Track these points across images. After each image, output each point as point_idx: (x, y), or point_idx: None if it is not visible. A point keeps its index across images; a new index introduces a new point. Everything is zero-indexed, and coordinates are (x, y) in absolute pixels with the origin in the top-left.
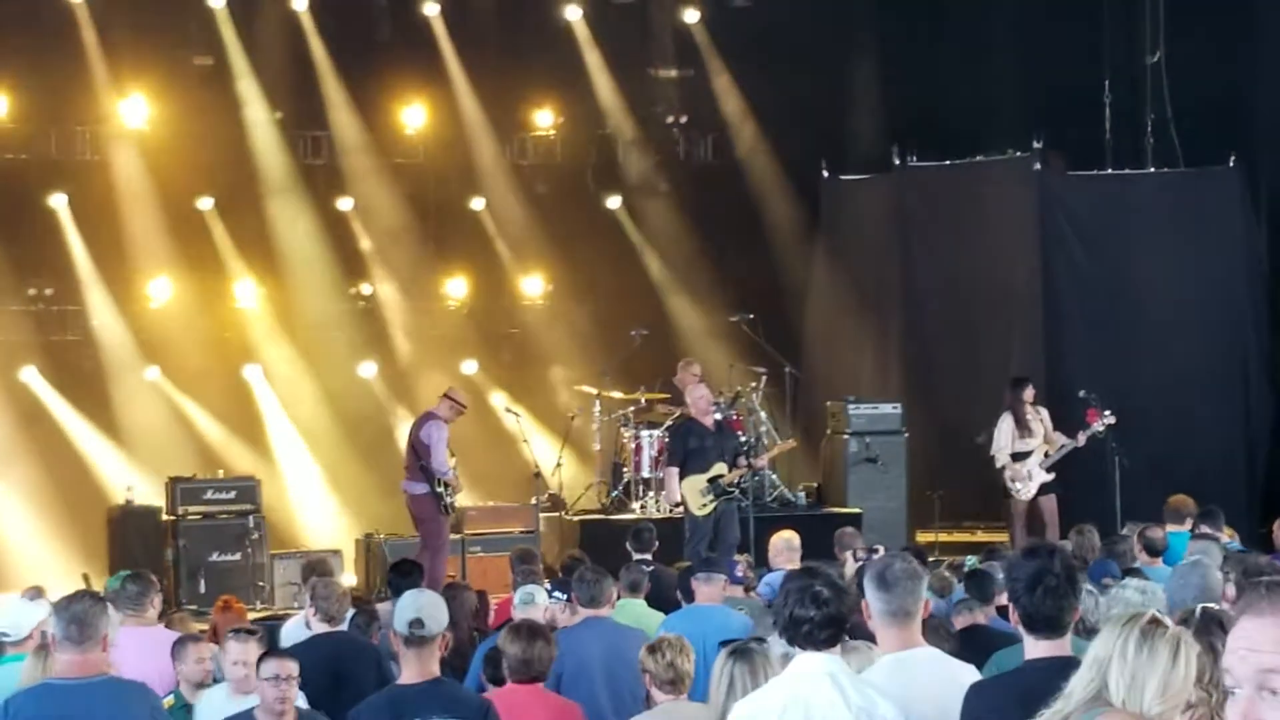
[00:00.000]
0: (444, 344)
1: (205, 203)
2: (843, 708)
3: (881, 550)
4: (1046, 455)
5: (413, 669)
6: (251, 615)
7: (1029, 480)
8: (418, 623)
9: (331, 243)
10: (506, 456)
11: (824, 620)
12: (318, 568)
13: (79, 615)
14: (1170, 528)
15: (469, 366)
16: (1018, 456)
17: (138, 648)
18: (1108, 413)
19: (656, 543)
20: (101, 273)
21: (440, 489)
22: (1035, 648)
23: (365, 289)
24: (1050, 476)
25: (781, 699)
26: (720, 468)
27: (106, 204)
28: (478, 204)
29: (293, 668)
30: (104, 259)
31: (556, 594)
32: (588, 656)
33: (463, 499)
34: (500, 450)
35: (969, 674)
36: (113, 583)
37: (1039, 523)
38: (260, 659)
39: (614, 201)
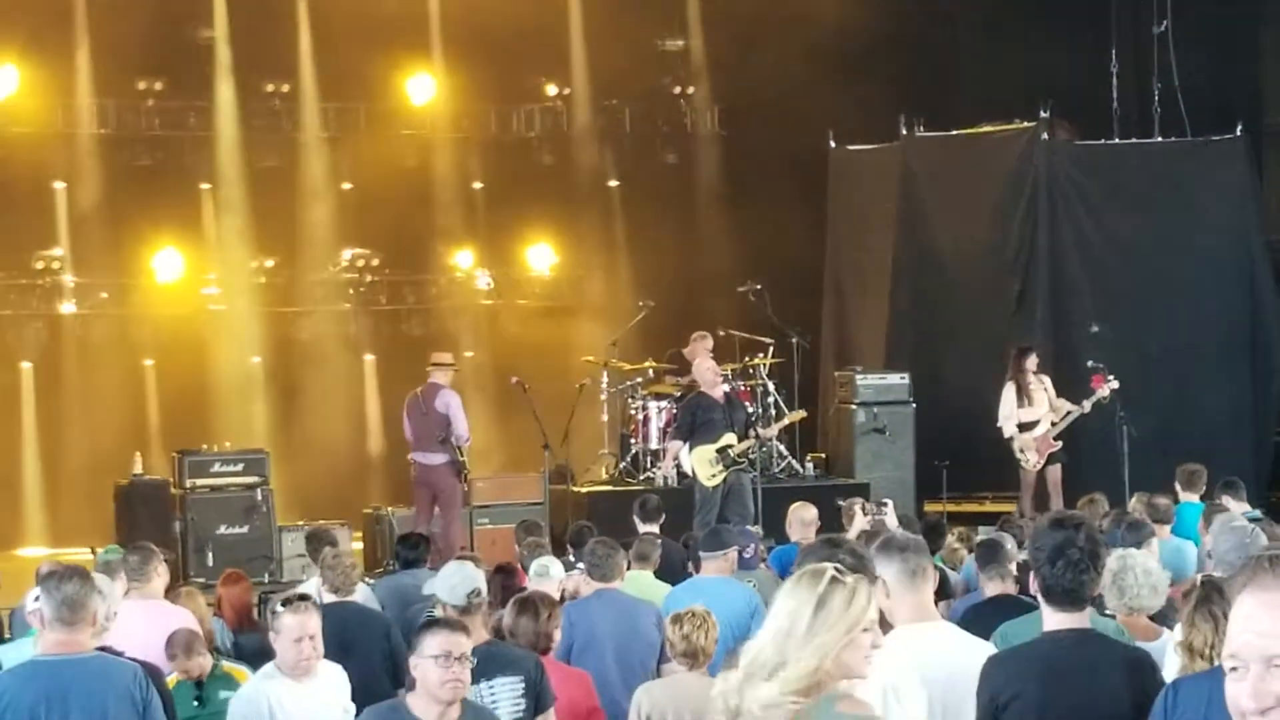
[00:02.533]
0: (452, 315)
1: (210, 175)
2: (874, 686)
3: (890, 505)
4: (1054, 425)
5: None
6: (259, 588)
7: (1036, 450)
8: (476, 592)
9: (340, 215)
10: (514, 427)
11: None
12: (323, 538)
13: (70, 598)
14: (1184, 496)
15: (476, 337)
16: (1024, 427)
17: (141, 619)
18: (1111, 378)
19: (664, 514)
20: (105, 246)
21: (463, 457)
22: (1053, 619)
23: (373, 261)
24: (1058, 446)
25: None
26: (729, 438)
27: (114, 177)
28: (484, 175)
29: (465, 644)
30: (108, 232)
31: (579, 566)
32: (598, 629)
33: (470, 470)
34: (508, 421)
35: (981, 648)
36: (105, 555)
37: (1044, 492)
38: (422, 631)
39: (621, 172)
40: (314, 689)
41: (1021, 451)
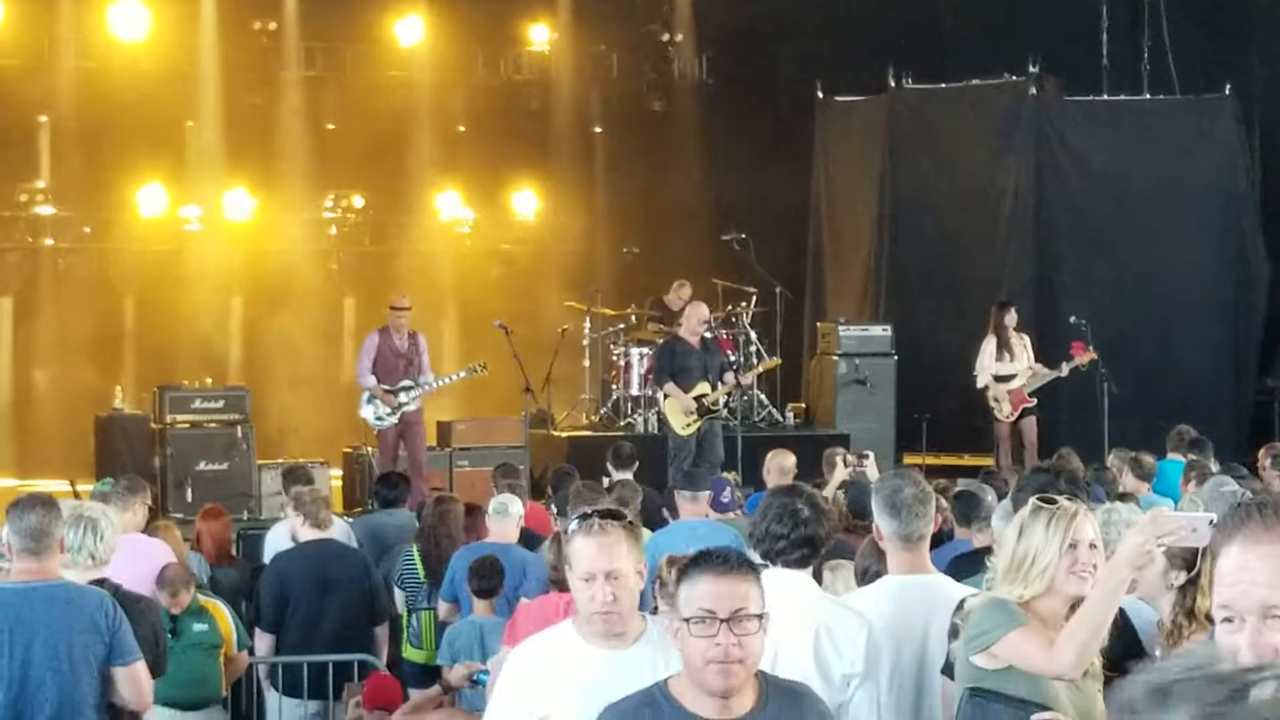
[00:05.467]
0: (435, 258)
1: (194, 112)
2: (797, 625)
3: (871, 457)
4: (1031, 380)
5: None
6: (237, 525)
7: (1010, 401)
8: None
9: (324, 155)
10: (496, 371)
11: (800, 540)
12: (297, 476)
13: (33, 529)
14: (1171, 455)
15: (459, 280)
16: (1002, 379)
17: (119, 551)
18: (1091, 348)
19: (637, 461)
20: (92, 181)
21: (363, 397)
22: None
23: (357, 202)
24: (1032, 403)
25: None
26: (704, 387)
27: (99, 112)
28: (469, 118)
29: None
30: (95, 167)
31: (552, 508)
32: None
33: (451, 412)
34: (490, 364)
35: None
36: (101, 488)
37: (1020, 445)
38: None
39: (607, 118)
40: (626, 663)
41: (995, 400)
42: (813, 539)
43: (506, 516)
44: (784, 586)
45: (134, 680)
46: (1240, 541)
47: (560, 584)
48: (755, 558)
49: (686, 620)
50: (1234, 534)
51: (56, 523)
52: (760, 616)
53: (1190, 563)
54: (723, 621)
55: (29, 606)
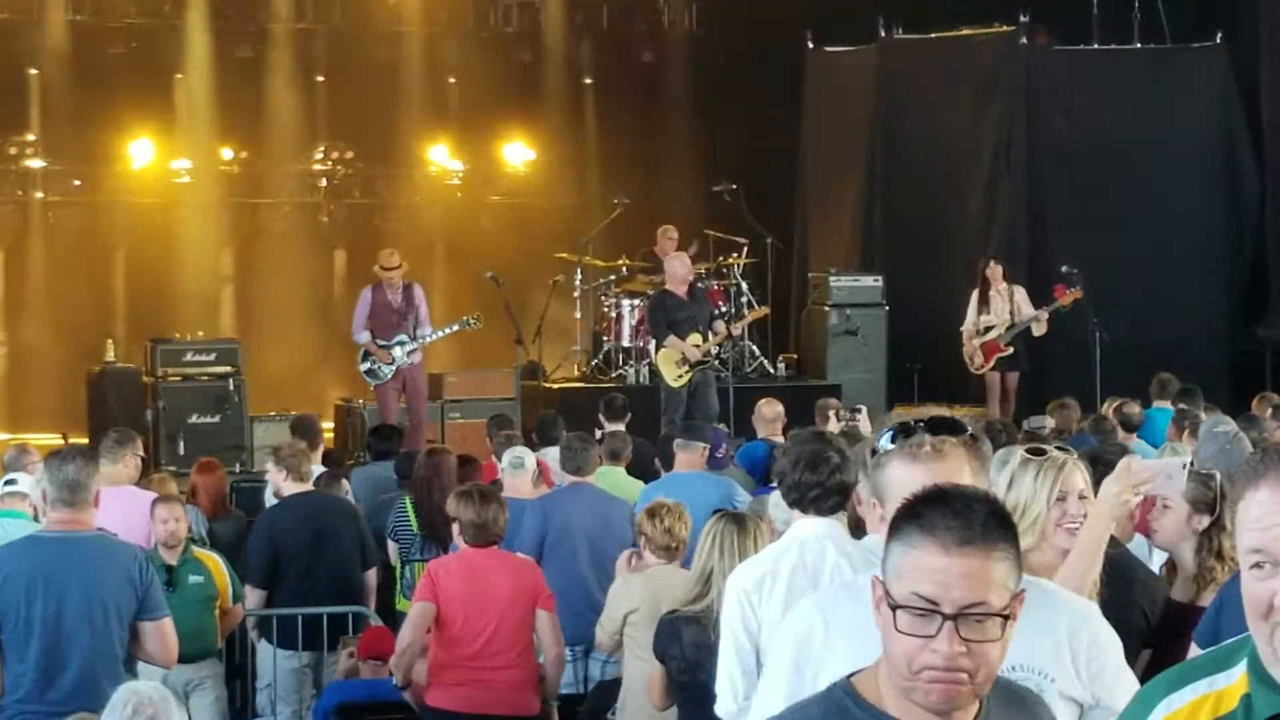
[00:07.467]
0: (425, 210)
1: (183, 65)
2: (849, 572)
3: (864, 411)
4: (1008, 329)
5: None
6: (230, 478)
7: (983, 353)
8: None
9: (314, 108)
10: (487, 322)
11: (834, 486)
12: (305, 426)
13: (70, 480)
14: (1156, 403)
15: (449, 232)
16: (985, 332)
17: (113, 503)
18: (1075, 288)
19: (630, 413)
20: (82, 134)
21: (361, 353)
22: None
23: (347, 154)
24: (1008, 351)
25: (789, 564)
26: (695, 338)
27: (88, 65)
28: (459, 70)
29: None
30: (86, 120)
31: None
32: (572, 522)
33: (442, 364)
34: (481, 317)
35: None
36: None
37: (1005, 398)
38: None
39: (597, 70)
40: None
41: (968, 357)
42: (845, 486)
43: (522, 470)
44: (822, 534)
45: (162, 636)
46: (1270, 484)
47: (468, 542)
48: (776, 504)
49: (894, 607)
50: (1262, 476)
51: (94, 475)
52: (1008, 616)
53: (1212, 507)
54: (947, 619)
55: (64, 556)
